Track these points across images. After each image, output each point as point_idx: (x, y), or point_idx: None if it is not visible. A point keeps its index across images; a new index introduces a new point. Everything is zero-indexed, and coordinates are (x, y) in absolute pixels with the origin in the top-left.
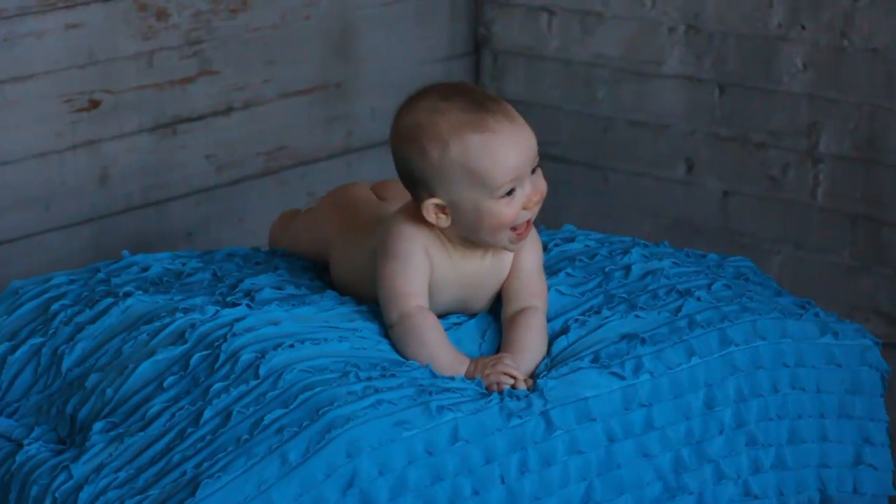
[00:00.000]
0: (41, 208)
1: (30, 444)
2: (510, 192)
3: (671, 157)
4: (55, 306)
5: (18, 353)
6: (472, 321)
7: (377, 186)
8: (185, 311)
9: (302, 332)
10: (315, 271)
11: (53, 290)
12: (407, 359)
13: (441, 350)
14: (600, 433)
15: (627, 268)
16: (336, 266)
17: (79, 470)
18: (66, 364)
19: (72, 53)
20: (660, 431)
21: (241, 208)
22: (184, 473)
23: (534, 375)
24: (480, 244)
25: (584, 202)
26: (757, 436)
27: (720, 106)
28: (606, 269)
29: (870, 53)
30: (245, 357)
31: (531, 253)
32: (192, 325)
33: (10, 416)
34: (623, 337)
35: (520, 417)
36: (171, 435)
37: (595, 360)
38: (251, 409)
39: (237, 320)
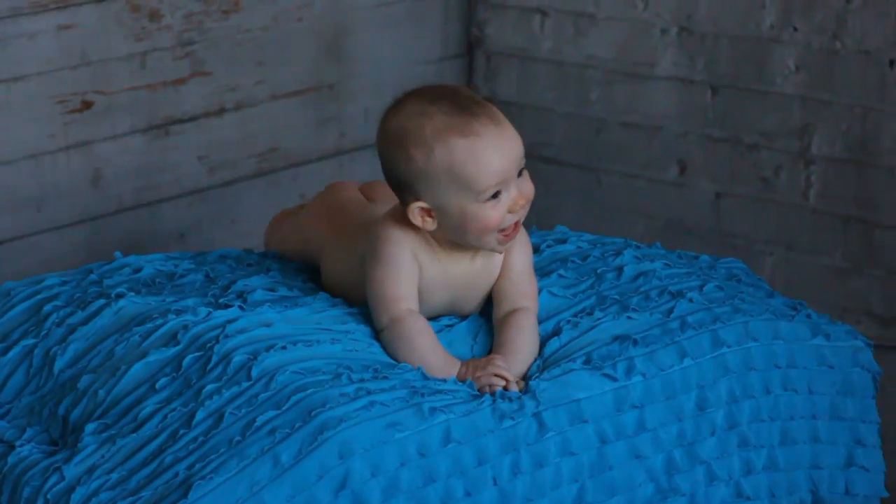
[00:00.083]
0: (33, 209)
1: (22, 445)
2: (496, 196)
3: (664, 159)
4: (47, 307)
5: (10, 354)
6: (464, 323)
7: (366, 187)
8: (178, 312)
9: (294, 334)
10: (307, 273)
11: (46, 292)
12: (398, 363)
13: (432, 353)
14: (592, 435)
15: (620, 269)
16: (326, 269)
17: (71, 471)
18: (58, 365)
19: (64, 54)
20: (652, 433)
21: (233, 209)
22: (176, 475)
23: (526, 377)
24: (468, 246)
25: (577, 203)
26: (749, 437)
27: (713, 107)
28: (599, 271)
29: (862, 55)
30: (237, 359)
31: (521, 254)
32: (185, 327)
33: (2, 417)
34: (615, 338)
35: (512, 419)
36: (164, 436)
37: (587, 361)
38: (243, 411)
39: (229, 322)
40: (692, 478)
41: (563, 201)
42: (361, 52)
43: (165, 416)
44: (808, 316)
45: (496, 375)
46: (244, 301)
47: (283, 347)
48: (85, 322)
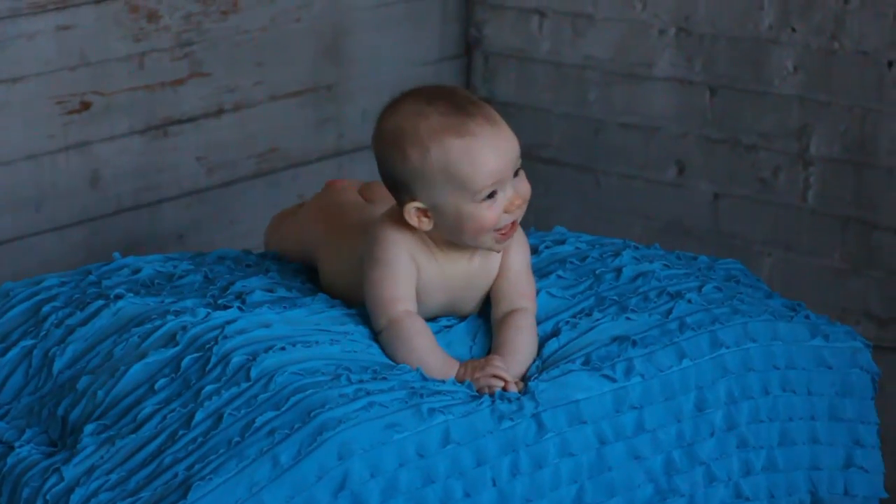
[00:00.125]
0: (32, 210)
1: (21, 446)
2: (491, 196)
3: (662, 160)
4: (46, 308)
5: (9, 355)
6: (462, 324)
7: (364, 188)
8: (177, 313)
9: (293, 335)
10: (306, 274)
11: (44, 293)
12: (397, 364)
13: (430, 354)
14: (591, 435)
15: (618, 270)
16: (325, 270)
17: (70, 472)
18: (57, 366)
19: (63, 55)
20: (651, 434)
21: (232, 210)
22: (175, 475)
23: (525, 378)
24: (465, 246)
25: (575, 204)
26: (748, 438)
27: (711, 108)
28: (597, 272)
29: (860, 56)
30: (236, 359)
31: (518, 253)
32: (184, 328)
33: (1, 418)
34: (614, 339)
35: (511, 420)
36: (163, 437)
37: (586, 362)
38: (243, 412)
39: (228, 323)
40: (691, 478)
41: (561, 202)
42: (360, 52)
43: (164, 417)
44: (807, 317)
45: (494, 376)
46: (243, 302)
47: (283, 348)
48: (84, 323)
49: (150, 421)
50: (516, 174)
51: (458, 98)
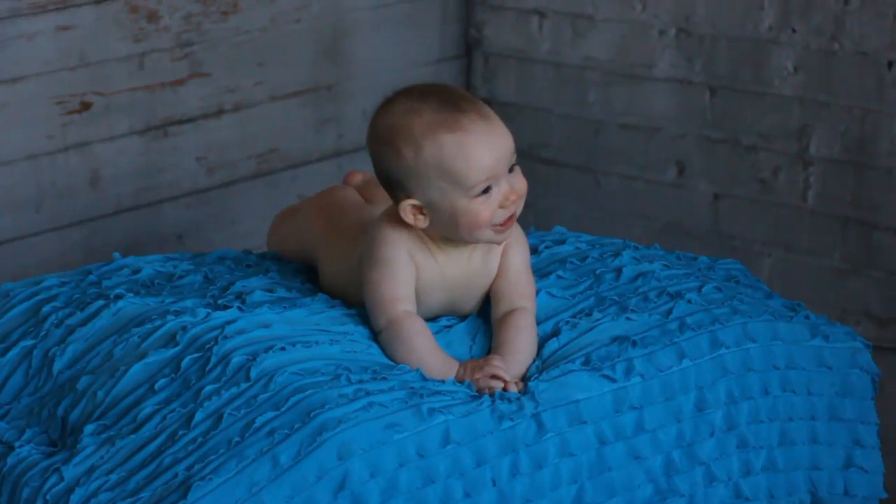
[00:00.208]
0: (32, 210)
1: (21, 446)
2: (486, 191)
3: (662, 160)
4: (46, 308)
5: (9, 355)
6: (462, 324)
7: (363, 188)
8: (177, 313)
9: (293, 335)
10: (306, 274)
11: (44, 293)
12: (397, 364)
13: (430, 354)
14: (591, 436)
15: (618, 270)
16: (324, 270)
17: (70, 472)
18: (57, 366)
19: (63, 55)
20: (651, 434)
21: (232, 211)
22: (175, 476)
23: (525, 378)
24: (462, 243)
25: (576, 205)
26: (748, 438)
27: (711, 109)
28: (597, 272)
29: (860, 56)
30: (236, 359)
31: (518, 253)
32: (184, 328)
33: (1, 418)
34: (614, 339)
35: (511, 420)
36: (163, 437)
37: (586, 362)
38: (242, 412)
39: (228, 323)
40: (691, 479)
41: (561, 203)
42: (360, 53)
43: (164, 417)
44: (807, 317)
45: (494, 377)
46: (243, 302)
47: (282, 348)
48: (84, 323)
49: (150, 421)
50: (512, 170)
51: (450, 94)
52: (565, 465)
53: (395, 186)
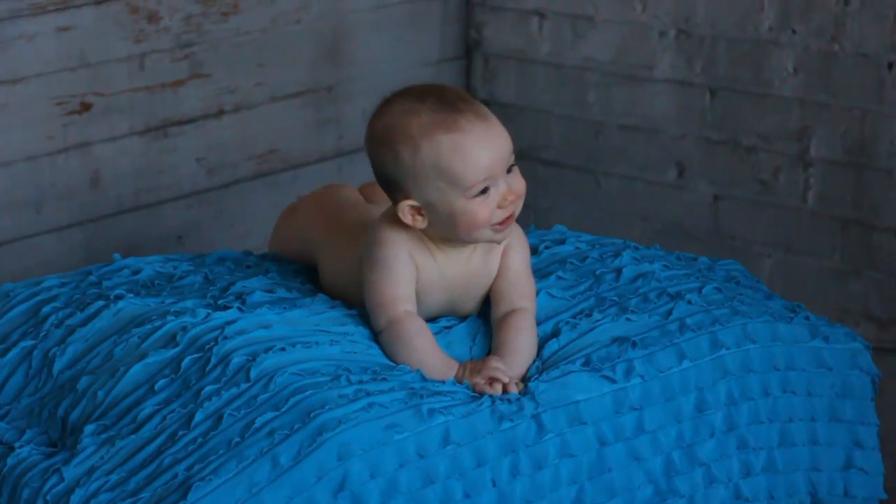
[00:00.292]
0: (32, 211)
1: (21, 446)
2: (484, 192)
3: (662, 161)
4: (46, 309)
5: (9, 355)
6: (462, 325)
7: (366, 188)
8: (177, 314)
9: (293, 336)
10: (306, 275)
11: (45, 293)
12: (397, 364)
13: (430, 355)
14: (591, 436)
15: (618, 271)
16: (324, 270)
17: (70, 472)
18: (57, 367)
19: (63, 56)
20: (651, 435)
21: (232, 211)
22: (175, 476)
23: (525, 378)
24: (462, 243)
25: (576, 206)
26: (748, 439)
27: (711, 110)
28: (597, 272)
29: (860, 58)
30: (236, 360)
31: (518, 253)
32: (184, 328)
33: (1, 418)
34: (614, 340)
35: (511, 421)
36: (163, 438)
37: (586, 363)
38: (242, 412)
39: (228, 323)
40: (691, 479)
41: (561, 203)
42: (360, 54)
43: (164, 418)
44: (807, 318)
45: (493, 378)
46: (243, 303)
47: (282, 349)
48: (84, 323)
49: (150, 421)
50: (510, 170)
51: (448, 95)
52: (565, 465)
53: (394, 187)
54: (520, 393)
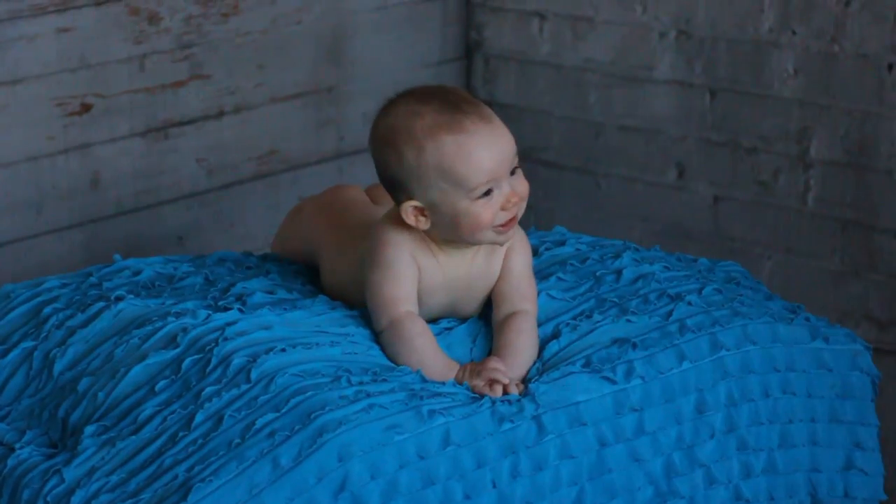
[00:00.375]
0: (32, 212)
1: (21, 447)
2: (487, 193)
3: (662, 162)
4: (47, 310)
5: (10, 356)
6: (463, 326)
7: (372, 190)
8: (177, 315)
9: (293, 337)
10: (307, 276)
11: (45, 294)
12: (397, 365)
13: (431, 356)
14: (592, 438)
15: (619, 272)
16: (326, 271)
17: (70, 474)
18: (57, 368)
19: (63, 57)
20: (651, 436)
21: (232, 213)
22: (175, 477)
23: (525, 380)
24: (464, 244)
25: (576, 207)
26: (748, 440)
27: (711, 111)
28: (598, 274)
29: (860, 59)
30: (237, 361)
31: (520, 255)
32: (184, 329)
33: (1, 419)
34: (614, 341)
35: (511, 422)
36: (163, 439)
37: (586, 364)
38: (243, 413)
39: (229, 324)
40: (691, 481)
41: (561, 205)
42: (360, 55)
43: (165, 419)
44: (807, 319)
45: (493, 380)
46: (243, 304)
47: (283, 350)
48: (84, 324)
49: (150, 422)
50: (513, 172)
51: (452, 96)
52: (565, 466)
53: (397, 188)
54: (520, 394)
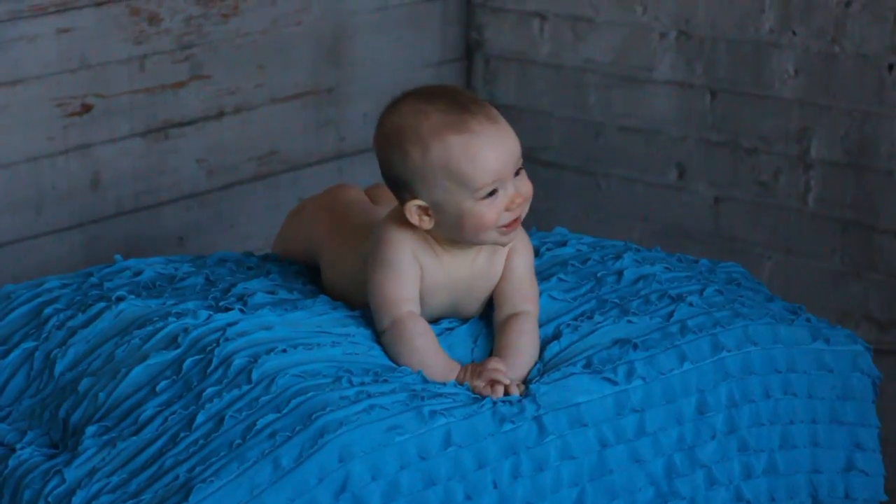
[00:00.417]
0: (33, 212)
1: (22, 448)
2: (492, 194)
3: (662, 163)
4: (48, 310)
5: (11, 357)
6: (464, 326)
7: (372, 190)
8: (178, 315)
9: (294, 337)
10: (307, 276)
11: (46, 295)
12: (398, 365)
13: (432, 356)
14: (592, 438)
15: (619, 273)
16: (327, 271)
17: (71, 474)
18: (58, 368)
19: (64, 58)
20: (652, 437)
21: (232, 213)
22: (176, 478)
23: (526, 381)
24: (467, 245)
25: (576, 207)
26: (749, 441)
27: (711, 111)
28: (598, 274)
29: (861, 59)
30: (238, 362)
31: (523, 256)
32: (185, 330)
33: (2, 420)
34: (615, 342)
35: (512, 422)
36: (164, 439)
37: (587, 365)
38: (244, 414)
39: (230, 325)
40: (692, 482)
41: (561, 205)
42: (360, 55)
43: (166, 419)
44: (808, 320)
45: (494, 381)
46: (244, 304)
47: (284, 351)
48: (85, 325)
49: (151, 423)
50: (518, 173)
51: (459, 96)
52: (566, 467)
53: (402, 187)
54: (521, 395)
